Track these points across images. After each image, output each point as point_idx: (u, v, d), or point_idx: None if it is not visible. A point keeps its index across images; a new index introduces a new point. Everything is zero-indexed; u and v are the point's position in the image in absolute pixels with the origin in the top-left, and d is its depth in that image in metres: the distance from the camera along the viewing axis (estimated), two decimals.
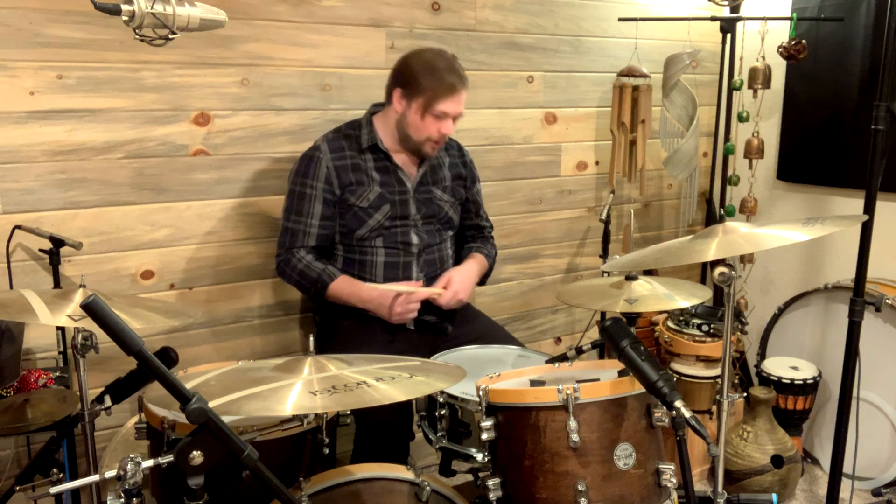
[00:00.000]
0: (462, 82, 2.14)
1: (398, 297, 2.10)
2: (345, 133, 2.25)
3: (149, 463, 1.15)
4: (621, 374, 1.55)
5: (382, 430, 1.95)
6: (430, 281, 2.26)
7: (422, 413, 1.88)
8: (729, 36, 3.01)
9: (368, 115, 2.28)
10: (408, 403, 2.01)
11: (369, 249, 2.22)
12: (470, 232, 2.50)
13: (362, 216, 2.19)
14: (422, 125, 2.14)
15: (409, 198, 2.25)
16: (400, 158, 2.25)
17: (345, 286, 2.18)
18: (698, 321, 2.75)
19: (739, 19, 3.00)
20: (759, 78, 2.92)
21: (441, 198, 2.31)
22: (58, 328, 2.19)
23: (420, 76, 2.12)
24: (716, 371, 2.69)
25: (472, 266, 2.33)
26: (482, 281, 2.45)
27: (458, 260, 2.41)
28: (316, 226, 2.18)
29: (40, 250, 2.14)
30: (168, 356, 1.72)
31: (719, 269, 1.61)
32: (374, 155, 2.23)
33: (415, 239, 2.25)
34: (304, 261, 2.18)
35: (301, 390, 1.28)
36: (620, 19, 2.98)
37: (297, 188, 2.20)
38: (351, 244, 2.23)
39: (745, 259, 3.20)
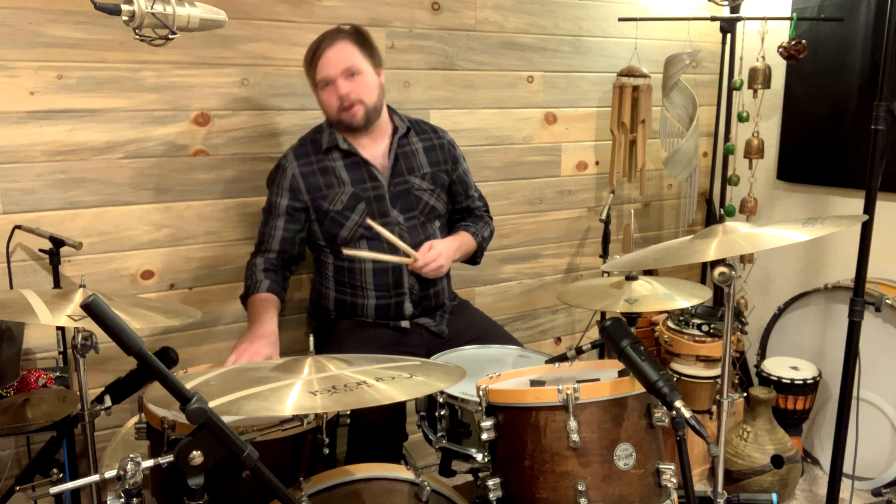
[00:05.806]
0: (327, 41, 2.10)
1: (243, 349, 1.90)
2: (311, 139, 2.23)
3: (149, 463, 1.15)
4: (621, 374, 1.55)
5: (375, 433, 1.95)
6: (422, 284, 2.24)
7: (422, 413, 1.88)
8: (729, 36, 3.01)
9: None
10: (400, 405, 2.01)
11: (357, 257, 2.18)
12: (459, 215, 2.42)
13: (339, 219, 2.17)
14: (324, 102, 2.15)
15: (384, 192, 2.19)
16: (368, 152, 2.20)
17: (255, 305, 2.10)
18: (698, 321, 2.75)
19: (739, 19, 3.00)
20: (759, 78, 2.91)
21: (420, 186, 2.25)
22: (58, 328, 2.19)
23: (305, 61, 2.18)
24: (716, 371, 2.69)
25: (453, 240, 2.26)
26: (473, 260, 2.39)
27: None
28: (280, 228, 2.18)
29: (40, 250, 2.14)
30: (168, 356, 1.73)
31: (719, 269, 1.61)
32: (341, 153, 2.19)
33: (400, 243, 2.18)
34: (252, 267, 2.19)
35: (301, 390, 1.28)
36: (620, 19, 2.98)
37: (269, 195, 2.22)
38: (338, 251, 2.20)
39: (745, 259, 3.20)
